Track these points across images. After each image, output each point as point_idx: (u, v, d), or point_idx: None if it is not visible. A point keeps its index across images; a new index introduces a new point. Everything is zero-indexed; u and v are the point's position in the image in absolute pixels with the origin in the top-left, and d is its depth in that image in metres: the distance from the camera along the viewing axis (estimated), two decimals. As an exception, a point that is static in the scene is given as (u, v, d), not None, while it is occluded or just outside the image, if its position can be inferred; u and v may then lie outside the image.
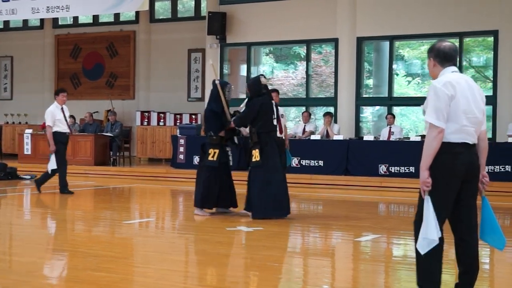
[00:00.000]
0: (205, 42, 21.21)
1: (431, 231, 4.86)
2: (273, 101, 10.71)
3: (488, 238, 5.15)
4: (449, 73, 5.06)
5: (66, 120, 13.66)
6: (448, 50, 5.14)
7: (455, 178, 4.94)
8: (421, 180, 4.89)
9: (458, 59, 5.39)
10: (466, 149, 4.96)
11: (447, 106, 4.90)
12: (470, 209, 5.10)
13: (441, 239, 4.95)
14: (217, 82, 10.87)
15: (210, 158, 10.54)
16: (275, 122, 10.54)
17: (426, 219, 4.89)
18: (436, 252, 4.97)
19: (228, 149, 10.80)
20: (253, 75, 21.02)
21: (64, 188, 13.59)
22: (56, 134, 13.45)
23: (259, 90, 10.40)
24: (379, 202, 13.44)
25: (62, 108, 13.67)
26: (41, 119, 24.49)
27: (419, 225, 4.98)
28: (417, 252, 5.04)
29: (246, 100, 10.79)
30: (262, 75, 10.77)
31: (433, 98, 4.92)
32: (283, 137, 12.54)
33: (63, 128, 13.52)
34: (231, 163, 10.87)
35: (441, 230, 4.93)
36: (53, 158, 13.42)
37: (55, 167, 13.40)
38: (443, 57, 5.13)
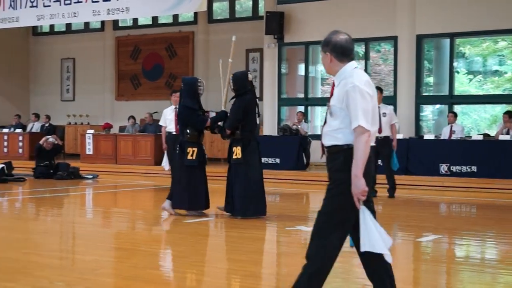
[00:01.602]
0: (263, 42, 21.22)
1: (378, 243, 4.55)
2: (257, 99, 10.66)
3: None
4: (353, 70, 4.62)
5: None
6: (346, 44, 4.68)
7: (369, 184, 4.58)
8: (358, 189, 4.42)
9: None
10: (371, 152, 4.63)
11: (371, 107, 4.53)
12: (372, 208, 4.79)
13: (339, 247, 4.68)
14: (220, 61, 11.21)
15: (189, 157, 10.38)
16: (258, 120, 10.54)
17: (366, 231, 4.54)
18: (332, 258, 4.70)
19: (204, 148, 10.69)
20: (311, 75, 20.98)
21: None
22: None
23: (245, 86, 10.28)
24: (440, 202, 13.26)
25: (175, 108, 13.86)
26: (102, 120, 24.92)
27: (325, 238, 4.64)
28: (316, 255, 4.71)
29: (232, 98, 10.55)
30: (249, 71, 10.53)
31: (360, 99, 4.47)
32: (380, 137, 12.60)
33: (169, 128, 13.69)
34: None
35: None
36: (165, 157, 13.75)
37: (167, 165, 13.66)
38: (341, 52, 4.65)
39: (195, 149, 10.43)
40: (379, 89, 13.80)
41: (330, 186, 4.63)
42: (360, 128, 4.43)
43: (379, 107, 13.33)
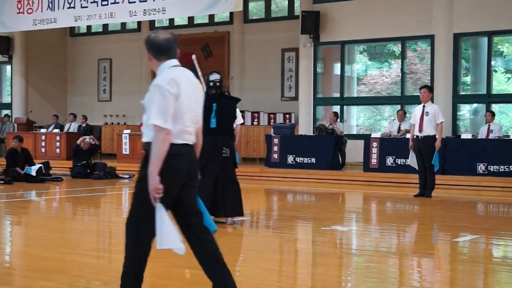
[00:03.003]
0: (298, 41, 21.19)
1: (173, 240, 4.55)
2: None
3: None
4: (170, 69, 4.68)
5: None
6: (163, 42, 4.72)
7: (179, 181, 4.64)
8: (151, 187, 4.46)
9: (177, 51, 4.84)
10: (188, 150, 4.66)
11: (173, 105, 4.52)
12: (195, 209, 4.84)
13: (149, 239, 4.75)
14: (193, 57, 10.57)
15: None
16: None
17: (162, 229, 4.53)
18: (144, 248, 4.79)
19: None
20: (347, 74, 20.90)
21: None
22: None
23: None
24: (477, 202, 13.13)
25: None
26: (138, 120, 25.07)
27: (134, 228, 4.69)
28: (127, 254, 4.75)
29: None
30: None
31: (158, 97, 4.52)
32: (421, 136, 12.60)
33: None
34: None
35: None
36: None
37: None
38: (157, 50, 4.72)
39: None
40: (428, 87, 13.76)
41: (136, 181, 4.76)
42: (155, 127, 4.48)
43: (424, 106, 13.27)
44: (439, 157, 13.28)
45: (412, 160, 13.48)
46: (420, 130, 13.11)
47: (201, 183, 8.90)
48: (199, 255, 4.94)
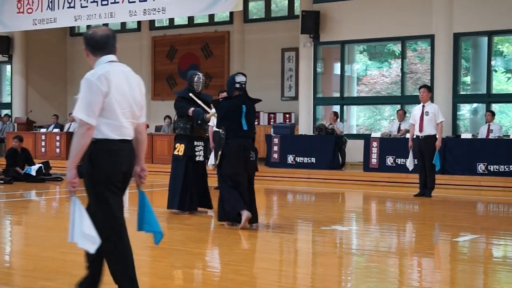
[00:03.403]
0: (298, 41, 21.19)
1: (85, 237, 4.49)
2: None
3: (147, 227, 4.90)
4: (105, 64, 4.68)
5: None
6: (100, 38, 4.72)
7: (117, 176, 4.67)
8: (67, 179, 4.52)
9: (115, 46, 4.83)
10: (125, 146, 4.68)
11: (100, 101, 4.52)
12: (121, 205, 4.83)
13: (125, 237, 4.77)
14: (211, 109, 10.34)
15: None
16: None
17: (75, 222, 4.49)
18: (121, 250, 4.77)
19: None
20: (347, 74, 20.91)
21: None
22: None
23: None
24: (477, 202, 13.13)
25: None
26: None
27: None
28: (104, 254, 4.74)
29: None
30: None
31: (86, 92, 4.52)
32: (422, 136, 12.65)
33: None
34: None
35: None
36: (212, 155, 14.02)
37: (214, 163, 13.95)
38: (94, 46, 4.72)
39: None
40: (427, 87, 13.75)
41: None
42: (79, 121, 4.51)
43: (423, 105, 13.27)
44: (440, 156, 13.28)
45: (410, 161, 13.48)
46: (421, 130, 13.12)
47: (236, 187, 8.88)
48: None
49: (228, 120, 9.00)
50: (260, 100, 9.46)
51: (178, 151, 10.42)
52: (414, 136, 13.33)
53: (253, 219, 9.03)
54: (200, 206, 10.58)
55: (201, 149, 10.52)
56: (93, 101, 4.51)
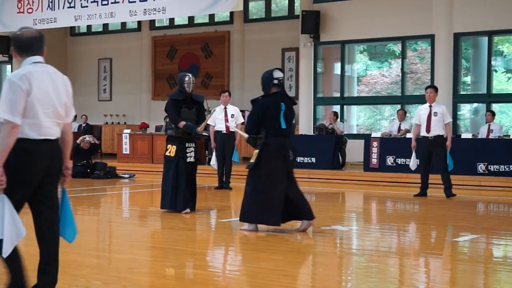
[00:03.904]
0: (299, 41, 21.19)
1: (17, 230, 4.56)
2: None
3: (61, 231, 4.94)
4: (29, 65, 4.75)
5: (226, 119, 14.41)
6: (26, 40, 4.80)
7: (36, 175, 4.69)
8: None
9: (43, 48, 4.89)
10: (45, 145, 4.71)
11: (22, 100, 4.59)
12: (54, 205, 4.87)
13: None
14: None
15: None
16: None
17: (4, 219, 4.54)
18: (17, 255, 4.76)
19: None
20: (347, 74, 20.90)
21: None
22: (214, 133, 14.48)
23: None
24: (477, 202, 13.13)
25: (225, 108, 14.52)
26: (138, 119, 25.10)
27: None
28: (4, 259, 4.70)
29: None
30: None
31: (8, 92, 4.59)
32: (431, 137, 12.60)
33: (218, 127, 14.44)
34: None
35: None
36: (213, 155, 14.52)
37: (216, 164, 14.56)
38: (20, 47, 4.81)
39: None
40: (434, 87, 13.65)
41: None
42: (4, 120, 4.55)
43: (431, 106, 13.19)
44: (451, 156, 13.18)
45: (413, 161, 13.45)
46: (428, 130, 13.04)
47: (275, 188, 8.49)
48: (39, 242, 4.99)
49: (266, 119, 8.65)
50: (296, 103, 9.05)
51: (169, 152, 10.45)
52: (420, 137, 13.26)
53: (308, 216, 8.66)
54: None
55: (192, 151, 10.52)
56: (16, 101, 4.58)
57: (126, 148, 21.10)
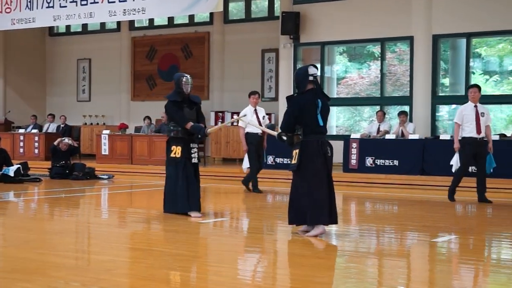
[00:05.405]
0: (278, 42, 21.23)
1: None
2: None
3: None
4: None
5: (258, 121, 13.99)
6: None
7: None
8: None
9: None
10: None
11: None
12: None
13: None
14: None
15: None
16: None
17: None
18: None
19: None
20: (326, 75, 20.95)
21: (246, 182, 14.45)
22: (247, 135, 14.01)
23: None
24: (456, 202, 13.20)
25: (255, 110, 14.17)
26: (118, 120, 25.01)
27: None
28: None
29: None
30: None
31: None
32: (480, 138, 12.36)
33: (252, 129, 13.83)
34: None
35: None
36: (246, 157, 14.26)
37: (247, 165, 14.28)
38: None
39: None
40: (478, 86, 13.04)
41: None
42: None
43: (476, 106, 12.73)
44: (493, 158, 12.93)
45: (456, 161, 13.09)
46: (479, 131, 12.59)
47: (320, 187, 8.31)
48: None
49: (304, 117, 8.43)
50: (329, 99, 8.89)
51: (175, 153, 10.28)
52: (466, 137, 12.77)
53: (333, 220, 8.62)
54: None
55: (195, 151, 10.47)
56: None
57: (105, 149, 21.03)
